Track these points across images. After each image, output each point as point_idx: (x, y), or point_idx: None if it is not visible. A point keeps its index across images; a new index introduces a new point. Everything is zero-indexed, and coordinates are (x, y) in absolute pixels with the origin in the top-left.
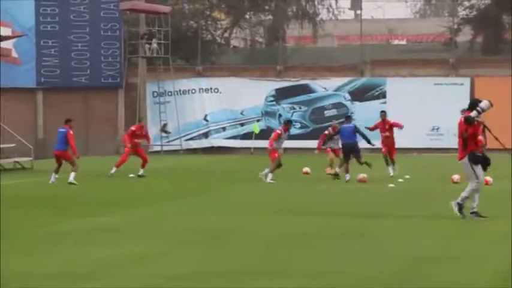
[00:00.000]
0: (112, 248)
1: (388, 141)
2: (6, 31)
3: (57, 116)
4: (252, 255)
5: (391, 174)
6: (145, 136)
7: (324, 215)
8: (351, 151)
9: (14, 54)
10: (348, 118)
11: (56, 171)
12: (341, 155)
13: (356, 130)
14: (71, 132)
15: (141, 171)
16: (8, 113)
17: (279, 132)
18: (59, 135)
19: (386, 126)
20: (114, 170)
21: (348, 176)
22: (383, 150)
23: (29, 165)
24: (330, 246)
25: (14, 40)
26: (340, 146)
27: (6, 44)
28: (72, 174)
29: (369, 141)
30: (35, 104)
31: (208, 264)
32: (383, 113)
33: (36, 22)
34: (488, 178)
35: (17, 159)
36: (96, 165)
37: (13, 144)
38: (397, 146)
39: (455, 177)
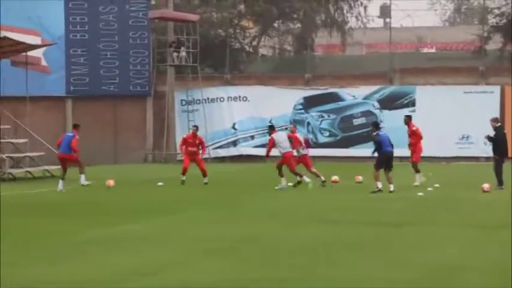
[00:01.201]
0: (137, 256)
1: (411, 148)
2: (35, 40)
3: (86, 124)
4: (274, 263)
5: (415, 183)
6: (199, 145)
7: (350, 223)
8: (389, 160)
9: (44, 62)
10: (377, 125)
11: (63, 177)
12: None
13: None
14: (77, 137)
15: (205, 180)
16: (37, 121)
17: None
18: (65, 139)
19: (408, 132)
20: (183, 177)
21: (380, 184)
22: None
23: (58, 174)
24: (353, 253)
25: (43, 49)
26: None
27: (36, 53)
28: (82, 176)
29: (374, 151)
30: (64, 113)
31: (233, 272)
32: (406, 117)
33: (66, 31)
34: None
35: (46, 167)
36: (124, 173)
37: (42, 153)
38: (426, 154)
39: (486, 186)
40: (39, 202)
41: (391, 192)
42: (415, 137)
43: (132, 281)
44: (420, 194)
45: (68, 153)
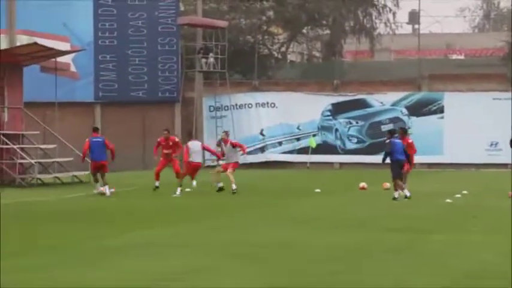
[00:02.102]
0: (164, 261)
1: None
2: (65, 46)
3: (115, 130)
4: (302, 270)
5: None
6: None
7: (378, 229)
8: (401, 168)
9: (73, 68)
10: (392, 132)
11: (97, 181)
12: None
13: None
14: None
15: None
16: (66, 127)
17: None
18: (99, 145)
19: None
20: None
21: (398, 193)
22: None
23: (86, 179)
24: (382, 260)
25: (72, 55)
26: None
27: (65, 59)
28: (107, 187)
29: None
30: (93, 118)
31: (259, 278)
32: (401, 130)
33: (95, 37)
34: None
35: (75, 173)
36: (152, 179)
37: (71, 158)
38: (455, 161)
39: None
40: (68, 208)
41: (394, 199)
42: (411, 150)
43: (161, 286)
44: (448, 200)
45: (105, 160)
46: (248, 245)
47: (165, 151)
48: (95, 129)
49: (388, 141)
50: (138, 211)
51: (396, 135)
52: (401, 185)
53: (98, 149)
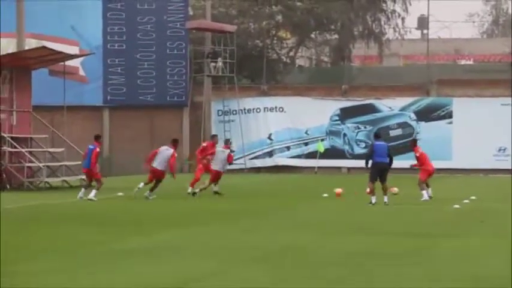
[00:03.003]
0: (171, 266)
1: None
2: (74, 50)
3: (123, 134)
4: (307, 274)
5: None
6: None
7: (386, 234)
8: (382, 172)
9: (82, 72)
10: (378, 135)
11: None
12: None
13: (388, 150)
14: (97, 150)
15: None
16: (75, 130)
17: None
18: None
19: (417, 154)
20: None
21: (374, 199)
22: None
23: (94, 183)
24: (391, 265)
25: (81, 59)
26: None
27: (74, 63)
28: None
29: (390, 165)
30: (101, 122)
31: (267, 283)
32: (411, 142)
33: (104, 41)
34: None
35: (83, 176)
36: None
37: (79, 162)
38: (463, 166)
39: None
40: (77, 212)
41: (385, 204)
42: (419, 162)
43: None
44: (456, 206)
45: (88, 168)
46: (257, 249)
47: (209, 157)
48: (96, 138)
49: (371, 143)
50: (146, 215)
51: (380, 138)
52: (372, 189)
53: (87, 155)
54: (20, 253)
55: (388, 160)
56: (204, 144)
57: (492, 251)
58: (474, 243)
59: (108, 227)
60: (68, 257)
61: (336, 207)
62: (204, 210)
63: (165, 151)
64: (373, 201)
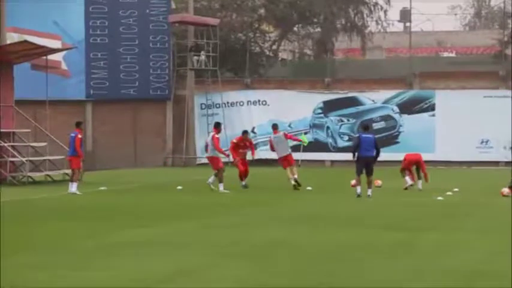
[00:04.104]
0: (160, 261)
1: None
2: (56, 44)
3: (106, 128)
4: (297, 269)
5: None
6: (250, 147)
7: (371, 228)
8: (367, 165)
9: (64, 66)
10: (366, 127)
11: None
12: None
13: (375, 142)
14: (79, 136)
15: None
16: (57, 125)
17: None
18: (70, 140)
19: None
20: (243, 182)
21: (359, 189)
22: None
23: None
24: (377, 259)
25: (63, 53)
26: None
27: (56, 57)
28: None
29: (376, 158)
30: (84, 116)
31: (257, 277)
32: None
33: (86, 35)
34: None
35: (66, 171)
36: (144, 177)
37: (62, 156)
38: (446, 159)
39: (505, 190)
40: (60, 206)
41: (368, 196)
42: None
43: (157, 286)
44: (440, 198)
45: (71, 155)
46: (244, 244)
47: (241, 151)
48: (76, 124)
49: (356, 135)
50: (133, 209)
51: (368, 130)
52: (358, 181)
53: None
54: (5, 249)
55: (374, 153)
56: (234, 141)
57: (475, 244)
58: (458, 237)
59: (94, 221)
60: (55, 252)
61: (320, 201)
62: (190, 204)
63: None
64: (358, 191)
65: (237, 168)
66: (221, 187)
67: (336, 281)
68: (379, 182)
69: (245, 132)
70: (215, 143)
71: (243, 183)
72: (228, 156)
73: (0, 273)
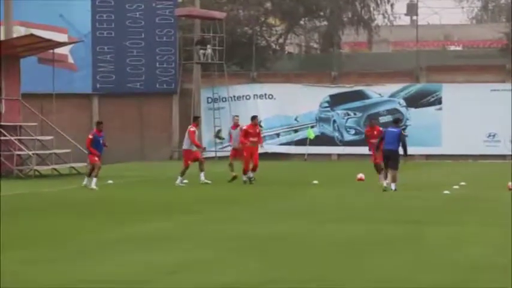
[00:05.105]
0: (164, 255)
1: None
2: (62, 37)
3: (113, 121)
4: (301, 263)
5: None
6: (258, 135)
7: (377, 221)
8: (388, 158)
9: (70, 60)
10: (396, 121)
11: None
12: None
13: (400, 136)
14: (89, 136)
15: (251, 174)
16: (64, 118)
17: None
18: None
19: (374, 133)
20: (251, 175)
21: (385, 182)
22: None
23: (84, 171)
24: (381, 253)
25: (70, 46)
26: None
27: (63, 50)
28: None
29: (405, 152)
30: (91, 110)
31: (257, 272)
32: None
33: (93, 28)
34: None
35: (72, 164)
36: (150, 170)
37: (69, 150)
38: (453, 152)
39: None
40: (66, 200)
41: (387, 190)
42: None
43: (160, 280)
44: (446, 192)
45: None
46: (247, 237)
47: (252, 139)
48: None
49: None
50: (137, 203)
51: (397, 124)
52: (392, 176)
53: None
54: (10, 242)
55: (397, 147)
56: (245, 127)
57: (482, 238)
58: (464, 231)
59: (99, 215)
60: (59, 246)
61: (326, 195)
62: (195, 198)
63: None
64: (385, 184)
65: (242, 160)
66: (178, 180)
67: (342, 275)
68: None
69: (255, 118)
70: (191, 136)
71: (251, 175)
72: (204, 149)
73: (0, 272)
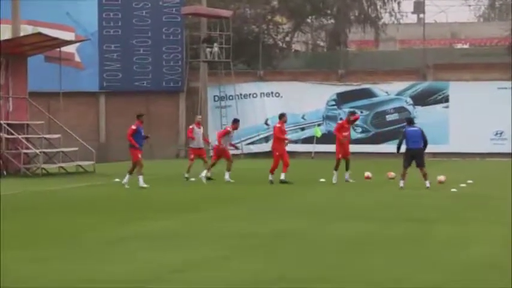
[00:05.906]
0: (171, 253)
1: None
2: (69, 36)
3: (120, 120)
4: (307, 262)
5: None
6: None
7: (383, 219)
8: (415, 157)
9: (77, 58)
10: (410, 121)
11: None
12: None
13: (422, 134)
14: (132, 127)
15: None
16: (71, 117)
17: (229, 129)
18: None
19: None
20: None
21: (402, 183)
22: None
23: (91, 169)
24: (385, 251)
25: (77, 45)
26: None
27: (70, 49)
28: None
29: (425, 148)
30: (98, 108)
31: (265, 269)
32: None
33: (99, 27)
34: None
35: (79, 162)
36: (157, 169)
37: (76, 148)
38: (460, 150)
39: None
40: (73, 198)
41: (427, 188)
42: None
43: (167, 278)
44: (454, 190)
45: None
46: (254, 236)
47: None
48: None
49: (404, 129)
50: (143, 201)
51: (413, 123)
52: (403, 175)
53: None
54: (16, 240)
55: (422, 145)
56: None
57: (489, 236)
58: (471, 229)
59: (106, 213)
60: (66, 244)
61: (333, 193)
62: (200, 197)
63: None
64: (401, 184)
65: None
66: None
67: (349, 273)
68: (392, 174)
69: (283, 115)
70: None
71: (284, 177)
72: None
73: (0, 269)
